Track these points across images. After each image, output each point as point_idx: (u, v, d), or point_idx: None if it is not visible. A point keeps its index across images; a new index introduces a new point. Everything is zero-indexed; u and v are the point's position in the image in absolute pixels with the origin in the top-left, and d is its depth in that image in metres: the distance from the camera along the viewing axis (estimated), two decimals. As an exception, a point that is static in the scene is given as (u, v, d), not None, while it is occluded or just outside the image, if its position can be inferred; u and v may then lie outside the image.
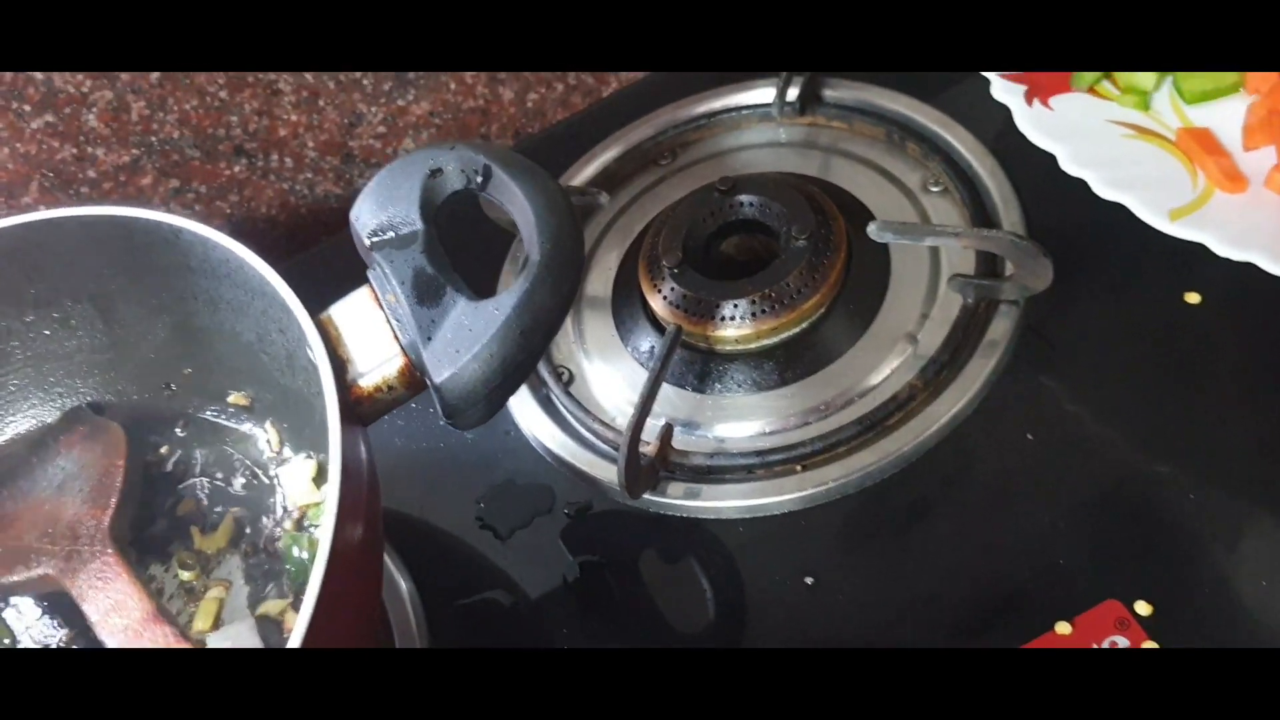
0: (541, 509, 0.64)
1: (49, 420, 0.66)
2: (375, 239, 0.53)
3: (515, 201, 0.52)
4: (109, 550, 0.53)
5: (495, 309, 0.49)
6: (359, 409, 0.52)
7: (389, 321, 0.52)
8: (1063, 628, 0.53)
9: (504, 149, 0.54)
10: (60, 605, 0.59)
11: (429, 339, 0.50)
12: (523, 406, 0.67)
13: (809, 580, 0.57)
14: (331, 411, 0.49)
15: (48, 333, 0.65)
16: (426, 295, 0.51)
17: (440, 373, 0.49)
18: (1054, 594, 0.54)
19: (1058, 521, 0.56)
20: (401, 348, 0.51)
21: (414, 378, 0.52)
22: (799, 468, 0.60)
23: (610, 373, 0.67)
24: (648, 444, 0.61)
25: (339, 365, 0.51)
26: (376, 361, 0.52)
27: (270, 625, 0.56)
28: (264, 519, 0.60)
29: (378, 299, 0.53)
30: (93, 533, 0.54)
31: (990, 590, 0.55)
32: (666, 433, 0.62)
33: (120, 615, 0.48)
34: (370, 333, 0.52)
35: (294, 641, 0.43)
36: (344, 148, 0.81)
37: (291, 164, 0.81)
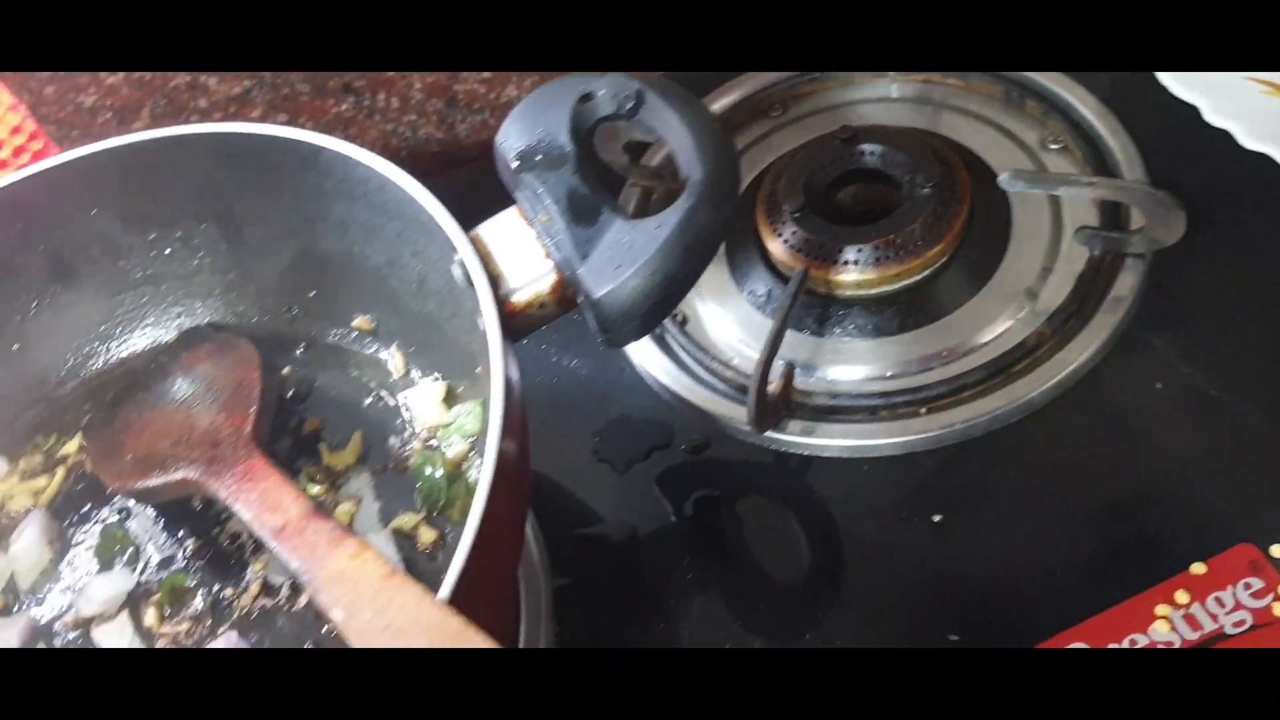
0: (659, 444, 0.65)
1: (166, 339, 0.67)
2: (523, 161, 0.53)
3: (669, 125, 0.53)
4: (255, 454, 0.53)
5: (657, 226, 0.49)
6: (510, 324, 0.52)
7: (540, 239, 0.52)
8: (1198, 568, 0.53)
9: (654, 77, 0.54)
10: (183, 516, 0.59)
11: (585, 256, 0.50)
12: (640, 346, 0.68)
13: (937, 518, 0.58)
14: (491, 324, 0.49)
15: (169, 252, 0.65)
16: (582, 215, 0.51)
17: (599, 288, 0.50)
18: (1187, 537, 0.54)
19: (1189, 467, 0.56)
20: (555, 264, 0.52)
21: (565, 295, 0.52)
22: (923, 410, 0.61)
23: (724, 315, 0.68)
24: (771, 383, 0.61)
25: (491, 280, 0.51)
26: (528, 278, 0.52)
27: (404, 539, 0.56)
28: (391, 439, 0.61)
29: (527, 219, 0.53)
30: (234, 439, 0.55)
31: (1124, 533, 0.55)
32: (789, 372, 0.62)
33: (275, 514, 0.48)
34: (520, 251, 0.53)
35: (458, 557, 0.43)
36: (449, 91, 0.82)
37: (397, 105, 0.81)
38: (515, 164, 0.54)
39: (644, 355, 0.67)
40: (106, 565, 0.59)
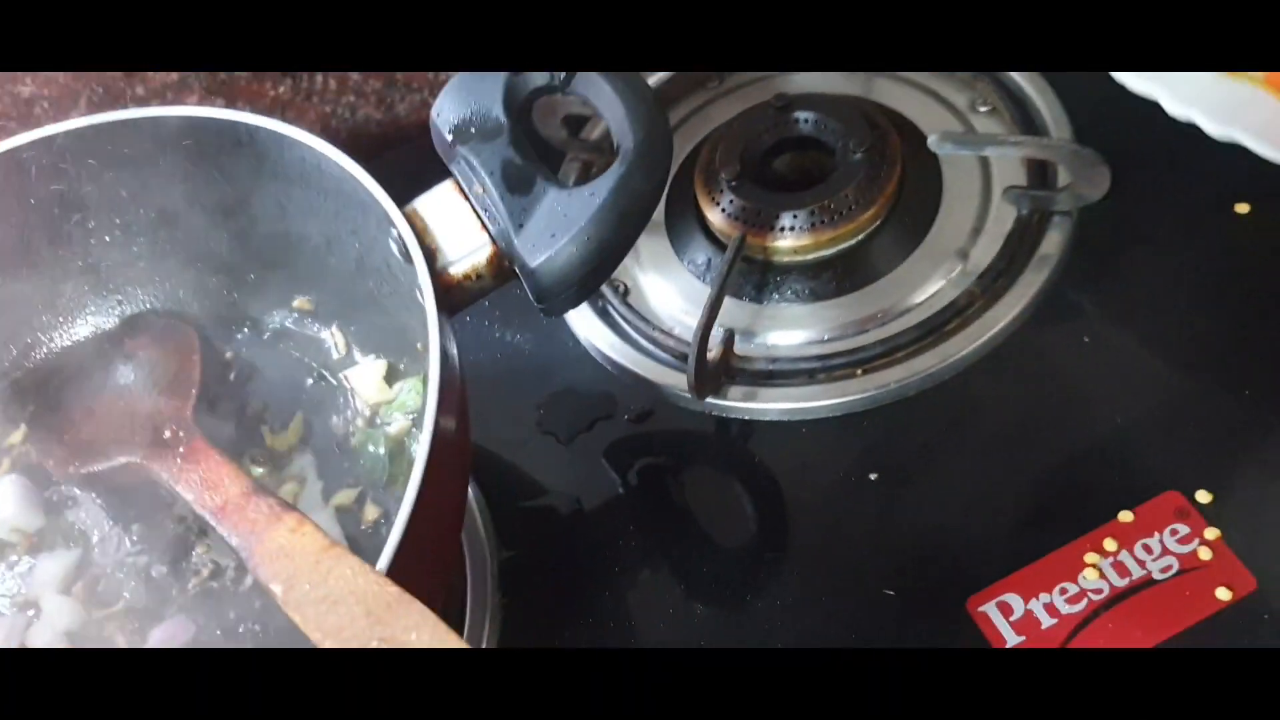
0: (602, 414, 0.65)
1: (107, 327, 0.67)
2: (458, 134, 0.54)
3: (603, 96, 0.53)
4: (196, 436, 0.53)
5: (591, 194, 0.50)
6: (448, 297, 0.52)
7: (476, 212, 0.53)
8: (1125, 516, 0.55)
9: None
10: (129, 501, 0.60)
11: (520, 226, 0.51)
12: (582, 318, 0.68)
13: (873, 476, 0.59)
14: (429, 298, 0.50)
15: (108, 240, 0.65)
16: (517, 185, 0.52)
17: (535, 257, 0.50)
18: (1115, 487, 0.55)
19: (1116, 417, 0.57)
20: (490, 236, 0.52)
21: (502, 266, 0.53)
22: (859, 371, 0.62)
23: (665, 285, 0.69)
24: (711, 350, 0.62)
25: (428, 254, 0.52)
26: (465, 251, 0.53)
27: (347, 516, 0.57)
28: (334, 418, 0.61)
29: (462, 191, 0.53)
30: (176, 422, 0.55)
31: (1053, 483, 0.57)
32: (729, 338, 0.63)
33: (216, 493, 0.49)
34: (456, 223, 0.53)
35: (396, 528, 0.43)
36: (388, 72, 0.82)
37: (335, 86, 0.81)
38: (450, 137, 0.54)
39: (586, 326, 0.68)
40: (52, 549, 0.59)
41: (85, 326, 0.67)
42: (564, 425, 0.66)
